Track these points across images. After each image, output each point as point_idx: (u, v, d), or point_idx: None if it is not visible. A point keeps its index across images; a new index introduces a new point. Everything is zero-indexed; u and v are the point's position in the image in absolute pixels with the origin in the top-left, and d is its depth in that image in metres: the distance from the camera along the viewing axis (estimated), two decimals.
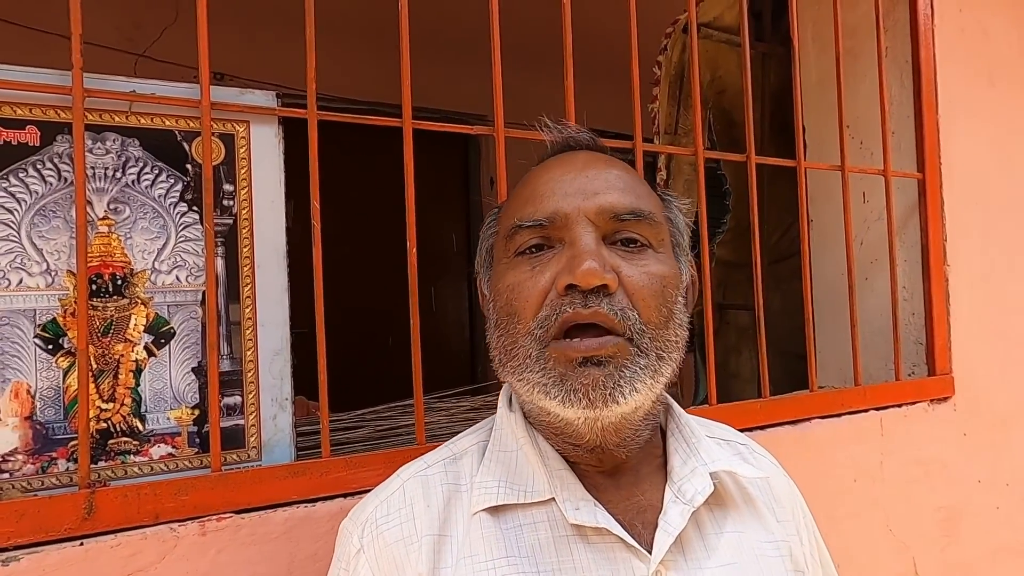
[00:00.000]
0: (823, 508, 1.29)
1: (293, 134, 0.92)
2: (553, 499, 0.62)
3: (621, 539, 0.60)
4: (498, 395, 0.71)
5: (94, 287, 0.80)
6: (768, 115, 1.96)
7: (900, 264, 1.52)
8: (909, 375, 1.51)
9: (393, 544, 0.61)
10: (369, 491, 0.84)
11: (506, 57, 1.04)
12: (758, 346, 1.29)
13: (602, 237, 0.62)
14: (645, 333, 0.60)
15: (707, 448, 0.67)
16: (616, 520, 0.61)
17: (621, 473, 0.65)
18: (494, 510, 0.62)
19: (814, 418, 1.30)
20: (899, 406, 1.42)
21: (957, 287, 1.53)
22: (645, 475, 0.66)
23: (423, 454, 0.73)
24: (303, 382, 0.95)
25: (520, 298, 0.61)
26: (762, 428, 1.23)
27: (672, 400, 0.71)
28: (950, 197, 1.54)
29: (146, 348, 0.82)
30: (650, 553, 0.60)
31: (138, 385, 0.81)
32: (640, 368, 0.59)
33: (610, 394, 0.58)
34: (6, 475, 0.76)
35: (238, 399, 0.86)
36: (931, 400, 1.47)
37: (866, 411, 1.37)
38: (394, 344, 3.19)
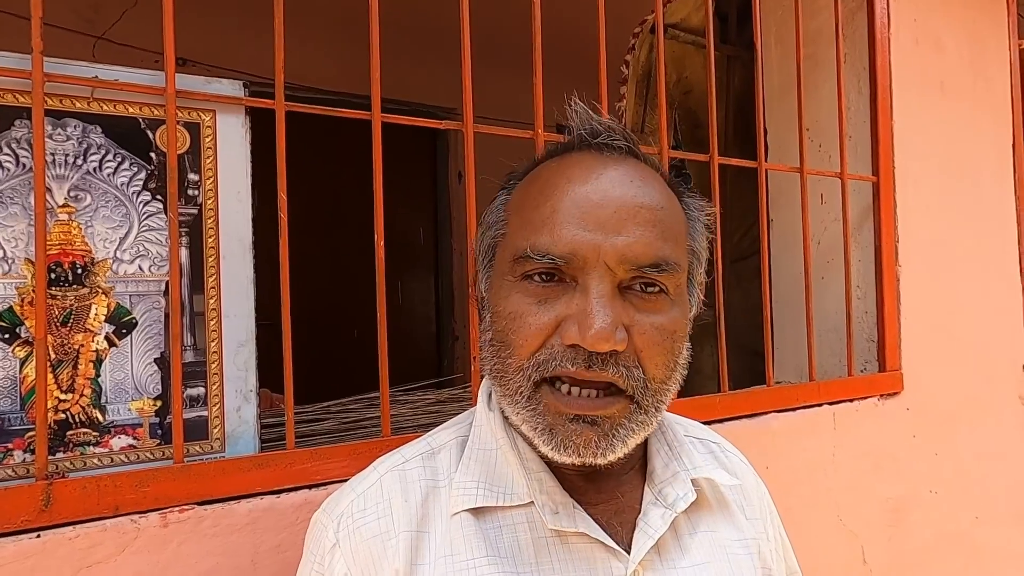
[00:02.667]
0: (778, 498, 1.33)
1: (258, 124, 0.91)
2: (532, 502, 0.61)
3: (600, 541, 0.60)
4: (463, 388, 0.71)
5: (53, 276, 0.78)
6: (732, 117, 2.00)
7: (854, 264, 1.57)
8: (861, 371, 1.57)
9: (370, 539, 0.60)
10: (334, 483, 0.85)
11: (476, 52, 1.05)
12: (718, 342, 1.32)
13: (619, 282, 0.57)
14: (648, 391, 0.58)
15: (688, 452, 0.67)
16: (595, 521, 0.61)
17: (600, 476, 0.65)
18: (474, 510, 0.62)
19: (770, 412, 1.34)
20: (851, 401, 1.47)
21: (908, 287, 1.59)
22: (625, 477, 0.66)
23: (389, 446, 0.74)
24: (267, 375, 0.95)
25: (520, 333, 0.58)
26: (721, 421, 1.26)
27: None
28: (903, 200, 1.60)
29: (107, 338, 0.81)
30: (628, 552, 0.61)
31: (98, 376, 0.80)
32: (637, 424, 0.59)
33: (602, 452, 0.57)
34: None
35: (201, 390, 0.85)
36: (881, 395, 1.53)
37: (820, 405, 1.42)
38: (359, 337, 3.18)
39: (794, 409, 1.38)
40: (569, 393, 0.57)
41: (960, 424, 1.69)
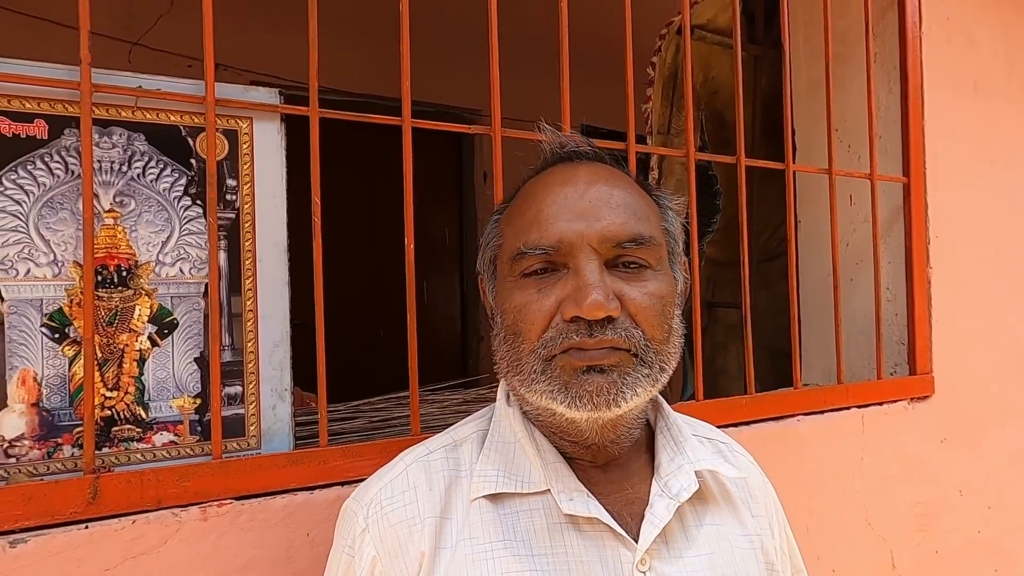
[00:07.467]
0: (804, 502, 1.33)
1: (291, 130, 0.94)
2: (548, 490, 0.65)
3: (610, 528, 0.64)
4: (489, 388, 0.75)
5: (100, 278, 0.81)
6: (759, 117, 1.99)
7: (884, 266, 1.55)
8: (891, 374, 1.55)
9: (397, 524, 0.65)
10: (365, 479, 0.87)
11: (503, 54, 1.06)
12: (744, 343, 1.32)
13: (604, 261, 0.65)
14: (649, 348, 0.64)
15: (693, 447, 0.71)
16: (606, 511, 0.65)
17: (612, 467, 0.69)
18: (492, 497, 0.66)
19: (798, 415, 1.34)
20: (880, 404, 1.45)
21: (939, 289, 1.56)
22: (634, 470, 0.70)
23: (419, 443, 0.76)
24: (298, 374, 0.97)
25: (526, 320, 0.65)
26: (747, 424, 1.26)
27: (662, 399, 0.75)
28: (934, 201, 1.57)
29: (150, 338, 0.84)
30: (636, 542, 0.64)
31: (142, 374, 0.83)
32: (642, 376, 0.64)
33: (613, 399, 0.62)
34: (13, 460, 0.78)
35: (239, 389, 0.88)
36: (911, 399, 1.51)
37: (848, 408, 1.41)
38: (386, 337, 3.21)
39: (822, 412, 1.37)
40: (579, 352, 0.63)
41: (992, 428, 1.66)
